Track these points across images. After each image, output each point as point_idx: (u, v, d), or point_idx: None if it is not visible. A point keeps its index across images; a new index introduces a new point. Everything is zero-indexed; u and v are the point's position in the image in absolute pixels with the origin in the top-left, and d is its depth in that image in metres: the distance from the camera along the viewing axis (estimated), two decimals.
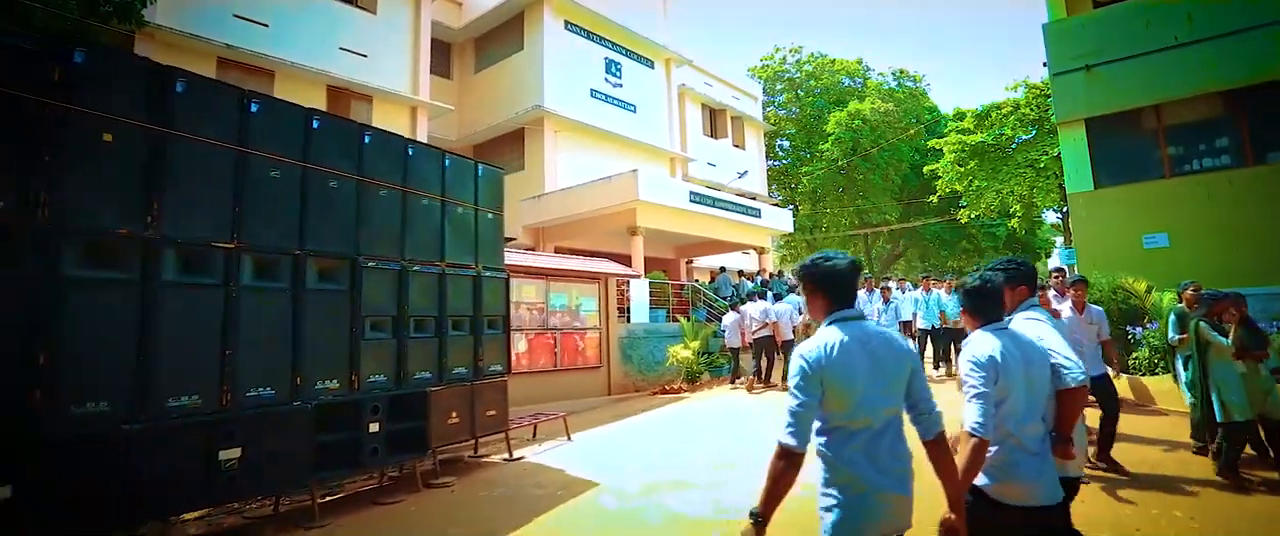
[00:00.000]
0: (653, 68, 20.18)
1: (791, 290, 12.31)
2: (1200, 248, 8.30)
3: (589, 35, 18.01)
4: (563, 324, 9.70)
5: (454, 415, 5.63)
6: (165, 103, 3.84)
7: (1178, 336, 5.13)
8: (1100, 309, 5.35)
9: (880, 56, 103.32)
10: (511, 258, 9.42)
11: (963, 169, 19.97)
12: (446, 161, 5.91)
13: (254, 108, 4.33)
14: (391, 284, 5.21)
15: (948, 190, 21.42)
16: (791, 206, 30.01)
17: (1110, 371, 5.08)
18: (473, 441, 6.33)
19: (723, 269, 18.04)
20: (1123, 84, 9.06)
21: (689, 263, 21.02)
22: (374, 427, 4.86)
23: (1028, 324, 2.47)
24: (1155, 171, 9.04)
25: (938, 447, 1.84)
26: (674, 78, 20.92)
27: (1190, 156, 8.84)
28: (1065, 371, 2.28)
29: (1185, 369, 5.04)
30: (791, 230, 21.43)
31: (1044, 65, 10.40)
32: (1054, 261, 27.38)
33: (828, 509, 1.80)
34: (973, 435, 2.00)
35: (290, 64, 12.60)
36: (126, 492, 3.47)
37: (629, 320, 11.49)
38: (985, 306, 2.27)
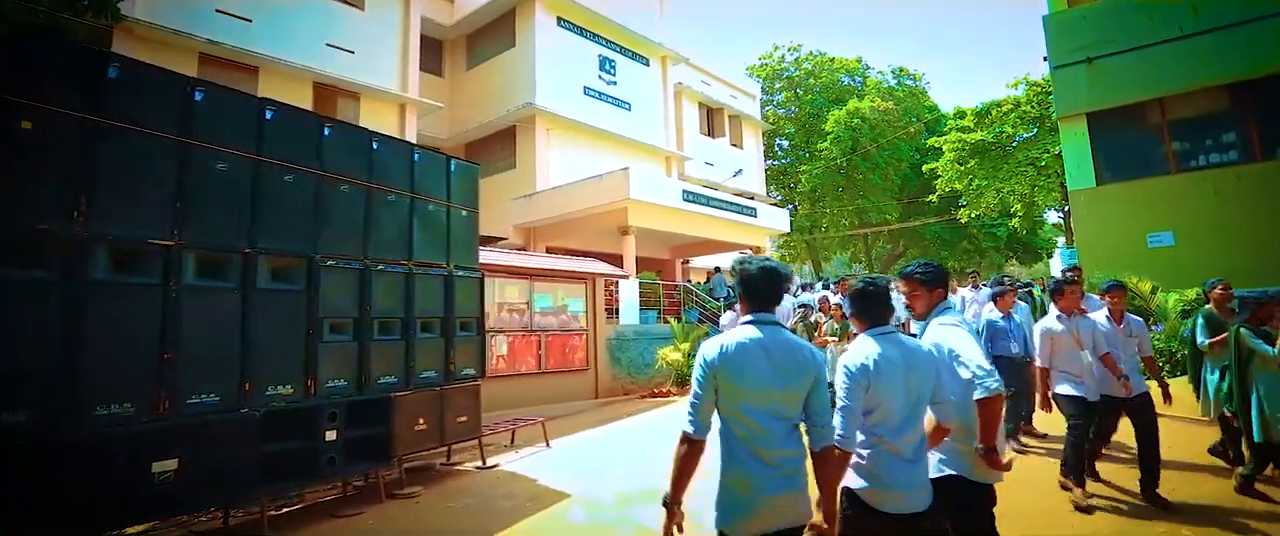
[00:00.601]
0: (648, 65, 19.92)
1: (787, 290, 12.03)
2: (1206, 246, 8.01)
3: (582, 32, 17.76)
4: (548, 325, 9.44)
5: (421, 421, 5.36)
6: (96, 89, 3.58)
7: (1209, 341, 4.56)
8: (1140, 319, 4.72)
9: (880, 56, 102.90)
10: (495, 257, 9.16)
11: (963, 168, 19.71)
12: (416, 156, 5.64)
13: (198, 96, 4.07)
14: (353, 284, 4.94)
15: (947, 189, 21.15)
16: (791, 206, 29.73)
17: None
18: (445, 448, 6.08)
19: (718, 269, 17.74)
20: (1125, 77, 8.77)
21: (685, 263, 20.76)
22: (331, 435, 4.58)
23: (943, 330, 2.44)
24: (1159, 167, 8.76)
25: (820, 459, 1.93)
26: (670, 76, 20.67)
27: (1196, 152, 8.55)
28: (978, 381, 2.25)
29: (1222, 379, 4.43)
30: (789, 230, 21.14)
31: (1045, 59, 10.11)
32: (1056, 262, 27.07)
33: (718, 502, 1.91)
34: (834, 448, 2.01)
35: (275, 60, 12.37)
36: (43, 509, 3.20)
37: (618, 321, 11.23)
38: (869, 309, 2.24)
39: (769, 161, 30.35)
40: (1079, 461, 4.11)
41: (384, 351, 5.12)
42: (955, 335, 2.40)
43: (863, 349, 2.14)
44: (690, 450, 1.90)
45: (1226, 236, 7.97)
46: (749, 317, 2.02)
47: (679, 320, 11.90)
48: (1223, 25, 8.12)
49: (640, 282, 12.32)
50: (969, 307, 8.70)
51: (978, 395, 2.26)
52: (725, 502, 1.89)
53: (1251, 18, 7.97)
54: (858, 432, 2.10)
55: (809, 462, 1.94)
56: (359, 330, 4.94)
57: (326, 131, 4.88)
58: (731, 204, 16.67)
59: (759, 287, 2.02)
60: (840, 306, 7.26)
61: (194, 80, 4.10)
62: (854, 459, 2.12)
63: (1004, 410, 5.82)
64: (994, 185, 19.39)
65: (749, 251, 19.87)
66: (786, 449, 1.89)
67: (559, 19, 17.14)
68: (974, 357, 2.31)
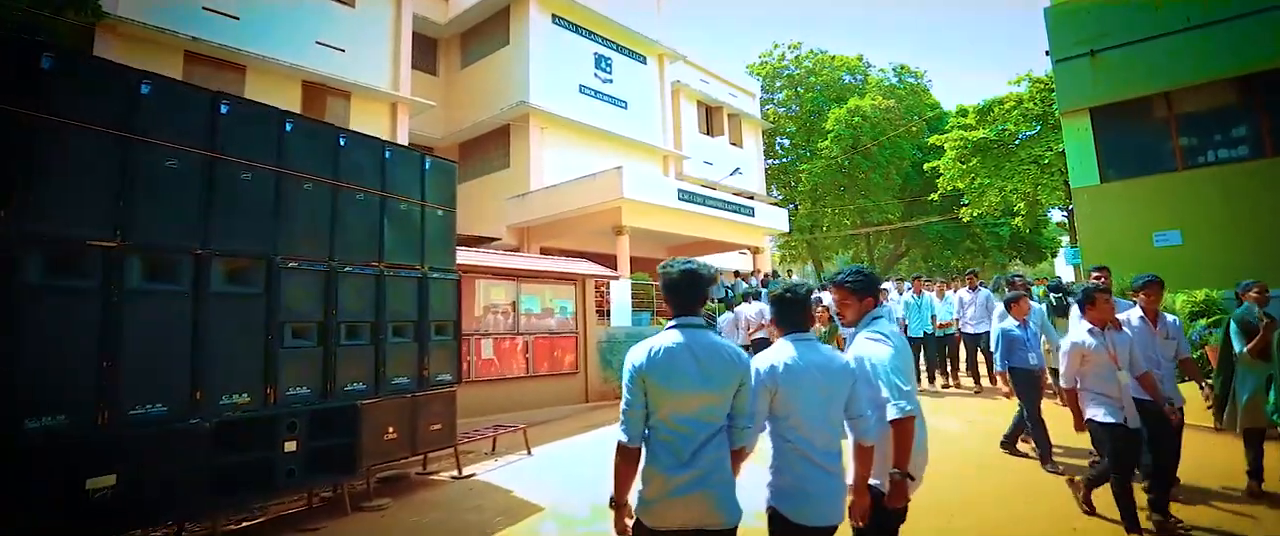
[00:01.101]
0: (645, 63, 19.69)
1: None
2: (1216, 245, 7.73)
3: (577, 30, 17.54)
4: (536, 327, 9.21)
5: (392, 430, 5.13)
6: (30, 82, 3.38)
7: (1246, 347, 4.12)
8: (1177, 319, 4.31)
9: (881, 54, 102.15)
10: (479, 258, 8.94)
11: (964, 166, 19.40)
12: (387, 154, 5.42)
13: (145, 89, 3.86)
14: (318, 286, 4.72)
15: (949, 188, 20.85)
16: (792, 205, 29.45)
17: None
18: (422, 458, 5.86)
19: (716, 270, 17.50)
20: (1131, 70, 8.49)
21: None
22: (290, 446, 4.37)
23: (867, 343, 2.39)
24: (1166, 163, 8.47)
25: (736, 457, 2.02)
26: (668, 74, 20.43)
27: (1204, 147, 8.26)
28: (892, 401, 2.22)
29: (1267, 390, 4.03)
30: (787, 229, 20.84)
31: (1047, 53, 9.83)
32: (1061, 261, 26.72)
33: (637, 495, 1.96)
34: (745, 448, 2.07)
35: (263, 58, 12.18)
36: None
37: (609, 323, 11.00)
38: (787, 315, 2.25)
39: (769, 160, 30.06)
40: (1128, 504, 3.53)
41: (351, 357, 4.90)
42: (879, 350, 2.34)
43: (776, 353, 2.17)
44: (625, 458, 1.95)
45: (1236, 235, 7.68)
46: (673, 322, 2.05)
47: None
48: (1232, 16, 7.83)
49: (633, 283, 12.08)
50: (966, 309, 8.43)
51: (891, 415, 2.22)
52: (640, 493, 1.95)
53: (1262, 8, 7.68)
54: (772, 438, 2.15)
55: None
56: (324, 335, 4.73)
57: (288, 127, 4.66)
58: (728, 203, 16.41)
59: (681, 291, 2.06)
60: (828, 309, 7.01)
61: (141, 72, 3.88)
62: (772, 476, 2.14)
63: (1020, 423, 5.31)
64: (996, 184, 19.09)
65: (748, 251, 19.68)
66: (706, 452, 1.92)
67: (554, 16, 16.92)
68: (892, 375, 2.27)
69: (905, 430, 2.21)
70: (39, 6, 9.03)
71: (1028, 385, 5.19)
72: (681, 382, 1.91)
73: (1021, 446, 5.45)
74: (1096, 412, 3.62)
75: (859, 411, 2.18)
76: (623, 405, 1.97)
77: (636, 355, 1.98)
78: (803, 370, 2.09)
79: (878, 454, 2.24)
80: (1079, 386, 3.74)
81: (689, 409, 1.92)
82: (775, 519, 2.11)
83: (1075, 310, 4.72)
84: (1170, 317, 4.27)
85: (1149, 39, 8.35)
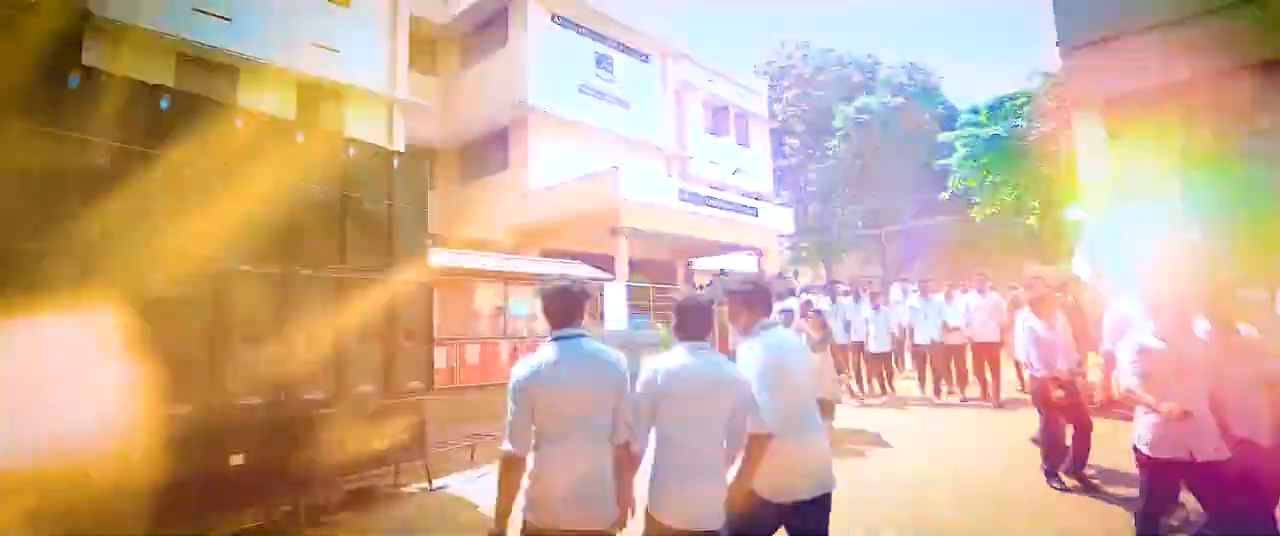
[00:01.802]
0: (648, 62, 19.40)
1: (791, 292, 11.46)
2: (1237, 244, 7.26)
3: (578, 29, 17.30)
4: (524, 331, 8.96)
5: (354, 441, 4.89)
6: None
7: None
8: (1253, 331, 3.34)
9: (889, 55, 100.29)
10: (463, 260, 8.71)
11: (976, 163, 18.89)
12: (350, 150, 5.19)
13: (74, 82, 3.65)
14: (272, 290, 4.50)
15: (961, 186, 20.33)
16: (801, 206, 29.01)
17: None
18: (393, 469, 5.60)
19: (722, 272, 17.14)
20: (1145, 58, 8.04)
21: (688, 265, 20.18)
22: (237, 459, 4.14)
23: (745, 356, 2.45)
24: (1183, 157, 8.01)
25: (616, 457, 2.14)
26: (672, 73, 20.13)
27: (1225, 139, 7.79)
28: (750, 418, 2.23)
29: None
30: (794, 230, 20.42)
31: (1056, 44, 9.39)
32: (1077, 261, 26.00)
33: (524, 495, 2.07)
34: (623, 447, 2.16)
35: (256, 60, 12.07)
36: None
37: (603, 328, 10.70)
38: (683, 324, 2.29)
39: (778, 160, 29.64)
40: None
41: (309, 365, 4.66)
42: (751, 363, 2.41)
43: (665, 359, 2.22)
44: (508, 468, 2.05)
45: (1259, 233, 7.21)
46: (552, 335, 2.17)
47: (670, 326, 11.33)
48: None
49: (630, 286, 11.79)
50: (975, 313, 8.04)
51: (749, 428, 2.22)
52: (526, 491, 2.05)
53: None
54: (655, 441, 2.19)
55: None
56: (278, 341, 4.49)
57: (239, 123, 4.45)
58: (730, 204, 16.05)
59: (556, 307, 2.18)
60: (819, 313, 6.65)
61: (71, 63, 3.68)
62: (651, 479, 2.16)
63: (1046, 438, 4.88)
64: (1010, 181, 18.56)
65: (752, 252, 19.28)
66: (586, 456, 2.04)
67: (554, 15, 16.69)
68: (761, 391, 2.28)
69: (756, 446, 2.22)
70: (19, 10, 8.95)
71: (1050, 391, 4.82)
72: (563, 392, 2.04)
73: (1087, 474, 4.76)
74: (1142, 435, 3.02)
75: (739, 426, 2.22)
76: (508, 416, 2.06)
77: (520, 370, 2.10)
78: (687, 377, 2.14)
79: (767, 463, 2.24)
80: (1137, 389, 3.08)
81: (571, 416, 2.04)
82: (651, 521, 2.14)
83: (1115, 310, 4.77)
84: (1249, 331, 3.34)
85: (1165, 24, 7.90)
